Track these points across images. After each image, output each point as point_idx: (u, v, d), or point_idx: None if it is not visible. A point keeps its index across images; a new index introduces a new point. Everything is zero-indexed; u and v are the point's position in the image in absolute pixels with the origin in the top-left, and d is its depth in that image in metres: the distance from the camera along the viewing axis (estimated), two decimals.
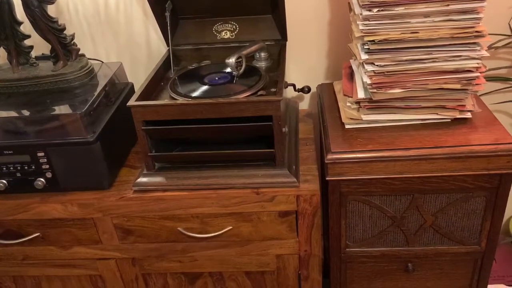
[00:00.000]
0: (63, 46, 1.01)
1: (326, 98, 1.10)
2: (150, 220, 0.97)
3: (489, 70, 1.14)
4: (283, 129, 0.90)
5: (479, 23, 0.83)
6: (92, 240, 1.00)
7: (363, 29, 0.85)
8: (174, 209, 0.94)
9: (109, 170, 0.96)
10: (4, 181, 0.95)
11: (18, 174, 0.94)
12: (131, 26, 1.19)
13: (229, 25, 1.12)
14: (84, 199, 0.95)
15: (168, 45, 1.10)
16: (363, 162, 0.87)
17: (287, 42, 1.10)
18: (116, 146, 1.01)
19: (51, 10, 0.99)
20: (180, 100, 0.91)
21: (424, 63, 0.86)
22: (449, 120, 0.93)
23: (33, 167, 0.93)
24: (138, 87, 0.97)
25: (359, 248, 0.99)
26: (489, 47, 1.11)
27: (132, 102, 0.89)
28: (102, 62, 1.11)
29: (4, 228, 1.00)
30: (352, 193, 0.92)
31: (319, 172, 0.96)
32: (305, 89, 1.13)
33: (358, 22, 0.86)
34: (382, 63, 0.87)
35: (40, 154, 0.92)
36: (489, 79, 1.14)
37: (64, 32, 1.00)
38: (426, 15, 0.83)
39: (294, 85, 1.12)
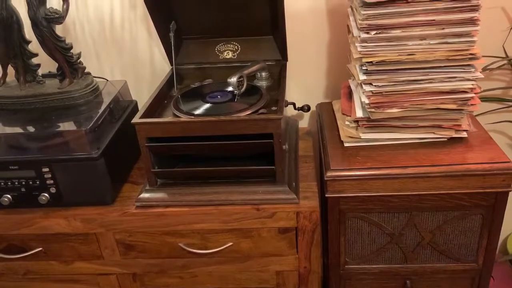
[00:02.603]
0: (69, 65, 1.04)
1: (326, 116, 1.12)
2: (152, 236, 0.98)
3: (484, 91, 1.17)
4: (284, 147, 0.92)
5: (473, 46, 0.86)
6: (93, 255, 1.01)
7: (361, 51, 0.88)
8: (175, 224, 0.96)
9: (112, 186, 0.98)
10: (8, 195, 0.96)
11: (23, 189, 0.96)
12: (135, 44, 1.23)
13: (231, 45, 1.15)
14: (87, 214, 0.96)
15: (171, 64, 1.13)
16: (361, 179, 0.89)
17: (287, 62, 1.13)
18: (120, 162, 1.03)
19: (58, 28, 1.02)
20: (183, 117, 0.94)
21: (421, 83, 0.89)
22: (446, 139, 0.95)
23: (38, 182, 0.95)
24: (142, 104, 1.00)
25: (358, 265, 1.00)
26: (484, 69, 1.14)
27: (136, 119, 0.91)
28: (107, 80, 1.14)
29: (7, 243, 1.01)
30: (351, 210, 0.94)
31: (318, 189, 0.98)
32: (305, 108, 1.15)
33: (356, 44, 0.89)
34: (380, 84, 0.90)
35: (45, 169, 0.94)
36: (485, 99, 1.17)
37: (71, 51, 1.03)
38: (422, 37, 0.86)
39: (294, 104, 1.14)
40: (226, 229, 0.96)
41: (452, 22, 0.85)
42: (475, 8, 0.83)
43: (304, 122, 1.31)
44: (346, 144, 0.98)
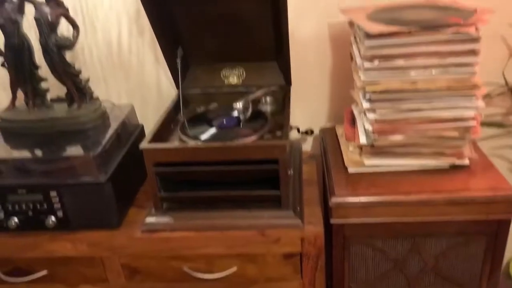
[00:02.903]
0: (78, 89, 1.06)
1: (329, 141, 1.14)
2: (157, 260, 0.98)
3: (485, 116, 1.18)
4: (289, 172, 0.94)
5: (474, 76, 0.88)
6: (99, 279, 1.01)
7: (364, 80, 0.91)
8: (181, 249, 0.96)
9: (118, 210, 0.99)
10: (15, 219, 0.97)
11: (30, 213, 0.97)
12: (142, 69, 1.25)
13: (236, 70, 1.17)
14: (93, 238, 0.97)
15: (177, 88, 1.15)
16: (366, 206, 0.90)
17: (291, 87, 1.16)
18: (126, 186, 1.05)
19: (67, 52, 1.04)
20: (191, 143, 0.95)
21: (423, 112, 0.91)
22: (448, 166, 0.97)
23: (45, 206, 0.96)
24: (148, 128, 1.01)
25: None
26: (484, 96, 1.16)
27: (144, 144, 0.92)
28: (114, 104, 1.16)
29: (13, 265, 1.02)
30: (355, 236, 0.95)
31: (323, 215, 0.99)
32: (309, 132, 1.17)
33: (360, 73, 0.92)
34: (383, 111, 0.92)
35: (53, 193, 0.95)
36: (484, 125, 1.18)
37: (80, 76, 1.05)
38: (425, 67, 0.89)
39: (298, 128, 1.16)
40: (231, 254, 0.96)
41: (453, 53, 0.87)
42: (475, 40, 0.86)
43: (307, 145, 1.33)
44: (350, 170, 0.99)
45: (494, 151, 1.24)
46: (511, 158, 1.29)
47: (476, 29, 0.85)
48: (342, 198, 0.91)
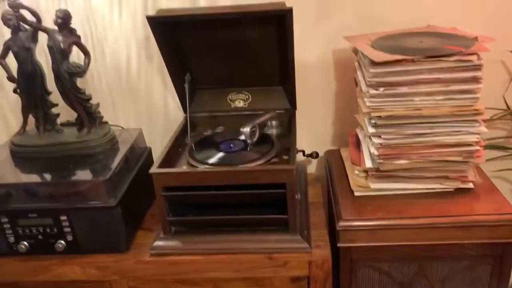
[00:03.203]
0: (88, 114, 1.08)
1: (334, 164, 1.16)
2: (165, 283, 0.99)
3: (487, 139, 1.21)
4: (296, 196, 0.95)
5: (477, 102, 0.91)
6: None
7: (370, 106, 0.93)
8: (188, 273, 0.97)
9: (127, 234, 1.00)
10: (25, 243, 0.98)
11: (40, 237, 0.98)
12: (150, 93, 1.27)
13: (243, 95, 1.20)
14: (102, 262, 0.98)
15: (185, 112, 1.17)
16: (373, 229, 0.92)
17: (296, 111, 1.18)
18: (135, 209, 1.06)
19: None
20: (200, 167, 0.97)
21: (427, 137, 0.93)
22: (452, 190, 0.98)
23: (55, 230, 0.97)
24: (156, 151, 1.02)
25: None
26: (485, 120, 1.18)
27: (154, 169, 0.94)
28: (123, 128, 1.18)
29: None
30: (362, 259, 0.95)
31: (330, 238, 1.00)
32: (314, 155, 1.19)
33: (365, 99, 0.94)
34: (388, 136, 0.94)
35: (63, 217, 0.96)
36: (487, 147, 1.20)
37: (90, 101, 1.07)
38: (428, 94, 0.91)
39: (303, 151, 1.18)
40: (239, 277, 0.97)
41: (456, 80, 0.89)
42: (477, 68, 0.88)
43: (312, 167, 1.35)
44: (356, 194, 1.01)
45: (496, 173, 1.25)
46: None
47: (478, 57, 0.88)
48: (349, 222, 0.92)
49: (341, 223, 0.92)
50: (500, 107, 1.21)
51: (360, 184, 1.01)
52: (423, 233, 0.91)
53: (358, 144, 1.09)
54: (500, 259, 0.93)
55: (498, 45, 1.06)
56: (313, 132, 1.29)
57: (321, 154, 1.25)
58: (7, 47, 1.02)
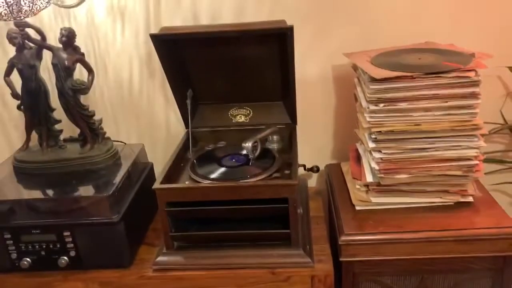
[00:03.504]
0: (91, 130, 1.09)
1: (335, 178, 1.17)
2: None
3: (485, 153, 1.22)
4: (298, 211, 0.96)
5: (475, 117, 0.92)
6: None
7: (370, 121, 0.94)
8: None
9: (130, 249, 1.01)
10: (28, 259, 0.98)
11: (43, 253, 0.98)
12: (152, 109, 1.29)
13: (244, 110, 1.21)
14: (105, 278, 0.98)
15: (187, 127, 1.18)
16: (375, 243, 0.92)
17: (296, 126, 1.19)
18: (137, 224, 1.06)
19: None
20: (202, 183, 0.98)
21: (427, 151, 0.94)
22: (453, 203, 1.00)
23: (58, 246, 0.97)
24: (158, 166, 1.03)
25: None
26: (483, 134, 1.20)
27: (157, 185, 0.95)
28: (125, 143, 1.19)
29: None
30: (364, 273, 0.96)
31: (332, 252, 1.00)
32: (314, 169, 1.20)
33: (365, 115, 0.95)
34: (389, 151, 0.95)
35: (66, 233, 0.96)
36: (485, 161, 1.22)
37: (94, 117, 1.08)
38: (428, 109, 0.93)
39: (304, 166, 1.19)
40: None
41: (454, 96, 0.91)
42: (475, 84, 0.90)
43: (313, 181, 1.36)
44: (357, 208, 1.02)
45: (494, 187, 1.26)
46: (511, 193, 1.32)
47: (476, 73, 0.90)
48: (351, 236, 0.93)
49: (343, 238, 0.93)
50: (498, 121, 1.23)
51: (361, 198, 1.02)
52: (424, 247, 0.92)
53: (358, 158, 1.10)
54: (501, 272, 0.94)
55: (495, 60, 1.08)
56: (313, 147, 1.30)
57: (321, 168, 1.26)
58: (11, 65, 1.03)
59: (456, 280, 0.96)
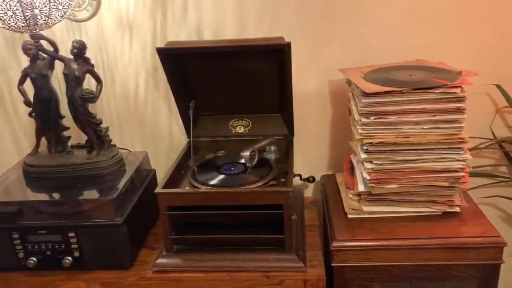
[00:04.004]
0: (98, 137, 1.14)
1: (329, 188, 1.22)
2: None
3: (475, 167, 1.27)
4: (292, 217, 1.01)
5: (461, 131, 0.97)
6: None
7: (362, 133, 1.00)
8: None
9: (131, 251, 1.05)
10: (34, 258, 1.03)
11: (48, 253, 1.03)
12: (156, 119, 1.35)
13: (243, 121, 1.27)
14: (107, 278, 1.02)
15: (188, 137, 1.24)
16: (365, 250, 0.97)
17: (294, 137, 1.24)
18: (139, 228, 1.11)
19: None
20: (202, 188, 1.03)
21: (416, 163, 0.99)
22: (440, 213, 1.04)
23: (63, 246, 1.02)
24: (160, 173, 1.08)
25: None
26: (474, 148, 1.25)
27: (159, 189, 1.00)
28: (129, 151, 1.24)
29: None
30: (355, 279, 1.00)
31: (324, 258, 1.05)
32: (310, 179, 1.25)
33: (357, 127, 1.01)
34: (379, 162, 1.00)
35: (71, 234, 1.01)
36: (475, 175, 1.27)
37: (101, 125, 1.14)
38: (416, 123, 0.98)
39: (300, 175, 1.24)
40: None
41: (442, 111, 0.96)
42: (461, 99, 0.95)
43: (309, 192, 1.40)
44: (349, 216, 1.06)
45: (484, 200, 1.31)
46: (501, 207, 1.36)
47: (462, 89, 0.95)
48: (343, 242, 0.98)
49: (335, 244, 0.98)
50: (488, 137, 1.28)
51: (353, 207, 1.07)
52: (412, 254, 0.96)
53: (352, 169, 1.15)
54: (486, 281, 0.98)
55: (485, 78, 1.15)
56: (310, 158, 1.35)
57: (317, 178, 1.31)
58: (25, 74, 1.09)
59: (444, 287, 1.00)
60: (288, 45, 1.02)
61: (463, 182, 1.00)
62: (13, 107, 1.36)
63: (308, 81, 1.28)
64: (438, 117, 0.97)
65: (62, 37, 1.25)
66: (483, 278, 0.98)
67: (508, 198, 1.30)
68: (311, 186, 1.40)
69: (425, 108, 0.96)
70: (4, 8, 0.92)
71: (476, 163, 1.28)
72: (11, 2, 0.92)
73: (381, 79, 1.01)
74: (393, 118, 0.98)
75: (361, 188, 1.04)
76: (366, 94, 0.96)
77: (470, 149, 0.99)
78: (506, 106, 1.23)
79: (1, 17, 0.92)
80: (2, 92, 1.34)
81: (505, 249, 0.95)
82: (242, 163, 1.13)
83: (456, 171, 0.99)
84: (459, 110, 0.96)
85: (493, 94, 1.26)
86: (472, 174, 1.24)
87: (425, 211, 1.04)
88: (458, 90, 0.95)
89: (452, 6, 1.19)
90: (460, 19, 1.20)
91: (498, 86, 1.21)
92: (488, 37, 1.22)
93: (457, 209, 1.03)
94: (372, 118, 0.98)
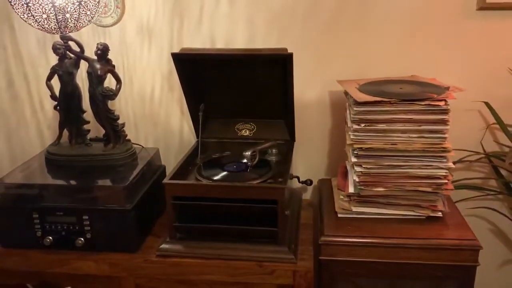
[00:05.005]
0: (114, 132, 1.26)
1: (325, 191, 1.30)
2: (167, 283, 1.12)
3: (465, 179, 1.34)
4: (286, 212, 1.10)
5: (445, 141, 1.06)
6: None
7: (353, 138, 1.09)
8: (188, 274, 1.10)
9: (138, 236, 1.15)
10: (50, 237, 1.13)
11: (63, 233, 1.13)
12: (169, 119, 1.46)
13: (249, 125, 1.36)
14: (114, 259, 1.12)
15: (197, 137, 1.34)
16: (350, 246, 1.05)
17: (295, 142, 1.34)
18: (146, 216, 1.21)
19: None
20: (204, 181, 1.13)
21: (402, 168, 1.08)
22: (424, 217, 1.12)
23: (77, 227, 1.12)
24: (169, 169, 1.17)
25: None
26: (463, 161, 1.33)
27: (166, 180, 1.10)
28: (142, 146, 1.35)
29: (40, 279, 1.16)
30: (341, 273, 1.08)
31: (314, 254, 1.13)
32: (308, 182, 1.34)
33: (349, 133, 1.10)
34: (368, 166, 1.09)
35: (85, 217, 1.12)
36: (465, 187, 1.34)
37: (118, 121, 1.26)
38: (403, 131, 1.07)
39: (298, 177, 1.33)
40: (231, 282, 1.10)
41: (427, 121, 1.05)
42: (445, 112, 1.04)
43: (307, 195, 1.49)
44: (339, 215, 1.15)
45: (473, 211, 1.38)
46: (489, 218, 1.42)
47: (445, 103, 1.04)
48: (330, 237, 1.06)
49: (323, 238, 1.06)
50: (478, 151, 1.35)
51: (344, 207, 1.15)
52: (393, 252, 1.04)
53: (346, 173, 1.24)
54: (463, 281, 1.05)
55: (475, 96, 1.23)
56: (309, 162, 1.44)
57: (315, 182, 1.39)
58: (53, 71, 1.22)
59: (423, 286, 1.07)
60: (290, 55, 1.12)
61: (445, 189, 1.08)
62: (40, 103, 1.49)
63: (311, 91, 1.38)
64: (423, 127, 1.05)
65: (88, 39, 1.38)
66: (460, 279, 1.05)
67: (495, 210, 1.36)
68: (310, 189, 1.48)
69: (411, 118, 1.05)
70: (40, 11, 1.05)
71: (466, 176, 1.36)
72: (46, 6, 1.04)
73: (374, 91, 1.11)
74: (382, 126, 1.07)
75: (351, 189, 1.13)
76: (358, 103, 1.05)
77: (460, 162, 1.07)
78: (494, 122, 1.30)
79: (37, 19, 1.05)
80: (30, 88, 1.47)
81: (497, 257, 1.00)
82: (244, 163, 1.22)
83: (439, 178, 1.07)
84: (443, 122, 1.04)
85: (484, 111, 1.33)
86: (462, 187, 1.32)
87: (410, 214, 1.12)
88: (442, 103, 1.03)
89: (447, 29, 1.28)
90: (455, 40, 1.29)
91: (486, 103, 1.28)
92: (479, 58, 1.30)
93: (440, 214, 1.11)
94: (363, 125, 1.07)
